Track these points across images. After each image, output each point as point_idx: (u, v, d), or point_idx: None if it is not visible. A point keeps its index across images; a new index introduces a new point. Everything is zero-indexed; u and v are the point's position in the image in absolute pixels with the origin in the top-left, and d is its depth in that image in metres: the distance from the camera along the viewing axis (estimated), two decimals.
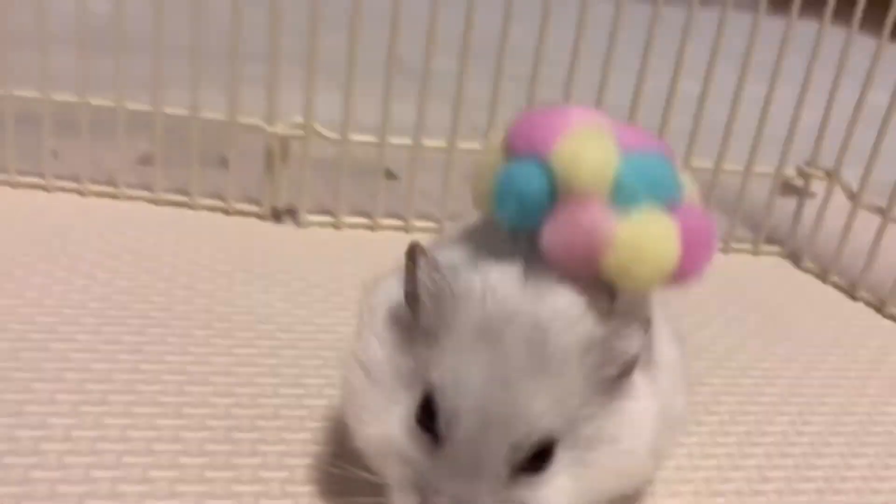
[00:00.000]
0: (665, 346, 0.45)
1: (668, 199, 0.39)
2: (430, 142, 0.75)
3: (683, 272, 0.39)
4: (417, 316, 0.39)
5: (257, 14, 0.72)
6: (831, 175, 0.81)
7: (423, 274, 0.38)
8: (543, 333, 0.37)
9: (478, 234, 0.43)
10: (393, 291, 0.42)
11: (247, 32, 0.70)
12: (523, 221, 0.39)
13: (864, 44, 0.76)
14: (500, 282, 0.39)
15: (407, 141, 0.75)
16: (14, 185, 0.73)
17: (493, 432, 0.36)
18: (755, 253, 0.85)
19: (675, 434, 0.48)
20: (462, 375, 0.37)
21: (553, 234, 0.38)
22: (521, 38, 0.74)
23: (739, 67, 0.77)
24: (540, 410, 0.37)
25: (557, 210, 0.38)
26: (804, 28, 0.76)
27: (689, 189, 0.41)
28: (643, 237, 0.37)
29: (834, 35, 0.76)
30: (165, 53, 0.70)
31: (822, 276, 0.81)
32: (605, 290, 0.40)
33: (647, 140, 0.41)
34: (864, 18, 0.76)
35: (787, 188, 0.85)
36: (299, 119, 0.74)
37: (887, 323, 0.75)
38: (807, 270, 0.83)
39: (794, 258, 0.84)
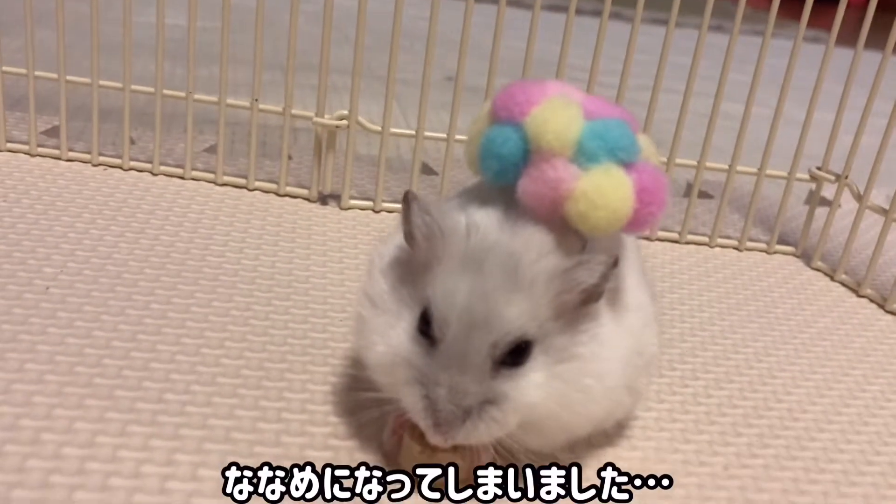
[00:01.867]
0: (636, 292, 0.51)
1: (625, 158, 0.46)
2: (462, 137, 0.83)
3: (638, 220, 0.46)
4: (414, 251, 0.47)
5: (313, 27, 0.81)
6: (841, 179, 0.86)
7: (415, 216, 0.46)
8: (516, 261, 0.45)
9: (470, 191, 0.51)
10: (396, 242, 0.51)
11: (302, 44, 0.80)
12: (503, 177, 0.47)
13: (869, 59, 0.81)
14: (482, 221, 0.46)
15: (441, 135, 0.83)
16: (95, 164, 0.84)
17: (476, 333, 0.44)
18: (769, 252, 0.89)
19: (649, 373, 0.54)
20: (450, 292, 0.45)
21: (526, 187, 0.46)
22: (548, 52, 0.81)
23: (755, 79, 0.82)
24: (513, 316, 0.44)
25: (530, 167, 0.46)
26: (813, 47, 0.81)
27: (647, 150, 0.48)
28: (599, 189, 0.44)
29: (842, 54, 0.81)
30: (231, 60, 0.80)
31: (831, 274, 0.86)
32: (578, 236, 0.47)
33: (611, 110, 0.48)
34: (870, 38, 0.81)
35: (813, 198, 0.90)
36: (345, 112, 0.82)
37: (888, 318, 0.79)
38: (816, 269, 0.87)
39: (806, 258, 0.89)
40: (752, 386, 0.64)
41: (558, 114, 0.45)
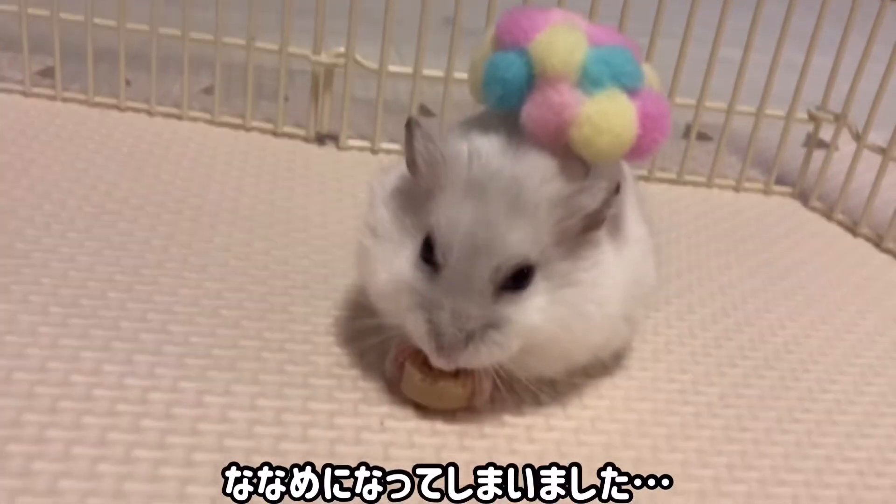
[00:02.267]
0: (635, 225, 0.52)
1: (629, 85, 0.46)
2: (460, 75, 0.83)
3: (641, 147, 0.46)
4: (416, 179, 0.47)
5: None
6: (840, 118, 0.86)
7: (418, 143, 0.46)
8: (519, 187, 0.45)
9: (472, 120, 0.51)
10: (398, 172, 0.51)
11: None
12: (506, 102, 0.47)
13: (868, 3, 0.80)
14: (485, 148, 0.46)
15: (439, 73, 0.82)
16: (91, 105, 0.83)
17: (479, 258, 0.44)
18: (766, 192, 0.90)
19: (647, 304, 0.55)
20: (453, 218, 0.45)
21: (529, 112, 0.46)
22: None
23: (752, 21, 0.82)
24: (515, 240, 0.45)
25: (534, 92, 0.46)
26: None
27: (651, 78, 0.48)
28: (604, 114, 0.44)
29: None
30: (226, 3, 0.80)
31: (828, 214, 0.86)
32: (581, 163, 0.47)
33: (615, 37, 0.48)
34: None
35: (812, 139, 0.90)
36: (342, 50, 0.82)
37: (884, 256, 0.80)
38: (813, 209, 0.87)
39: (803, 198, 0.89)
40: (748, 320, 0.65)
41: (563, 38, 0.45)
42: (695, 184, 0.89)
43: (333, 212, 0.72)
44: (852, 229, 0.83)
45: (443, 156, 0.46)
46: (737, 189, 0.89)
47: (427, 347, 0.46)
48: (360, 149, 0.85)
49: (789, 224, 0.84)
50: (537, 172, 0.46)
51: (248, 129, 0.84)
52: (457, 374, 0.48)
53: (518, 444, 0.49)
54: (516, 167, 0.46)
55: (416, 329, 0.46)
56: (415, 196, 0.48)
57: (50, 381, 0.47)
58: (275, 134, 0.84)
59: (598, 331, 0.49)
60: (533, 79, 0.46)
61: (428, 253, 0.46)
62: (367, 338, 0.51)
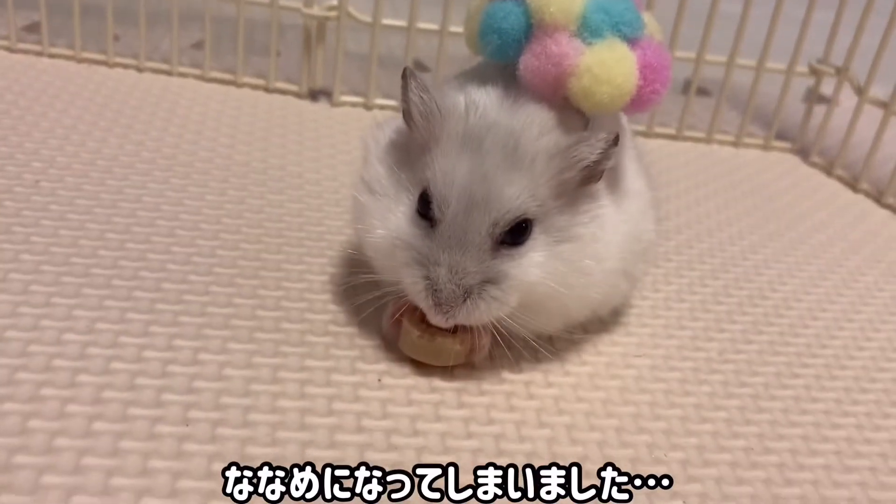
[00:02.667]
0: (634, 178, 0.51)
1: (629, 34, 0.44)
2: (456, 28, 0.81)
3: (642, 98, 0.45)
4: (412, 131, 0.46)
5: None
6: (841, 71, 0.84)
7: (413, 94, 0.45)
8: (516, 139, 0.44)
9: (468, 73, 0.50)
10: (393, 126, 0.50)
11: None
12: (503, 53, 0.46)
13: None
14: (482, 99, 0.45)
15: (434, 26, 0.81)
16: (79, 61, 0.81)
17: (476, 212, 0.44)
18: (766, 148, 0.89)
19: (647, 259, 0.54)
20: (450, 171, 0.44)
21: (528, 63, 0.45)
22: None
23: None
24: (513, 194, 0.44)
25: (532, 42, 0.44)
26: None
27: (652, 27, 0.47)
28: (604, 64, 0.43)
29: None
30: None
31: (828, 170, 0.85)
32: (580, 115, 0.46)
33: None
34: None
35: (813, 93, 0.89)
36: (334, 2, 0.80)
37: (884, 212, 0.79)
38: (813, 165, 0.86)
39: (803, 154, 0.88)
40: (748, 276, 0.65)
41: None
42: (694, 139, 0.88)
43: (327, 168, 0.70)
44: (852, 185, 0.83)
45: (439, 108, 0.45)
46: (736, 145, 0.88)
47: (424, 304, 0.45)
48: (354, 104, 0.84)
49: (789, 180, 0.83)
50: (535, 124, 0.45)
51: (240, 86, 0.83)
52: (455, 330, 0.48)
53: (517, 401, 0.48)
54: (513, 119, 0.45)
55: (412, 285, 0.45)
56: (410, 150, 0.47)
57: (44, 340, 0.46)
58: (266, 90, 0.83)
59: (596, 286, 0.48)
60: (531, 28, 0.44)
61: (424, 208, 0.45)
62: (363, 294, 0.51)
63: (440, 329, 0.47)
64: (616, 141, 0.44)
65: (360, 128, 0.79)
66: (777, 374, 0.55)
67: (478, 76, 0.48)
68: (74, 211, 0.58)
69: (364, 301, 0.51)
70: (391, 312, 0.50)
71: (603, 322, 0.56)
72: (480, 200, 0.44)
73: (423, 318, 0.47)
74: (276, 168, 0.69)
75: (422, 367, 0.49)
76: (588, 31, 0.44)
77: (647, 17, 0.47)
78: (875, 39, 0.79)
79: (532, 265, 0.45)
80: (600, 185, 0.47)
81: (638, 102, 0.45)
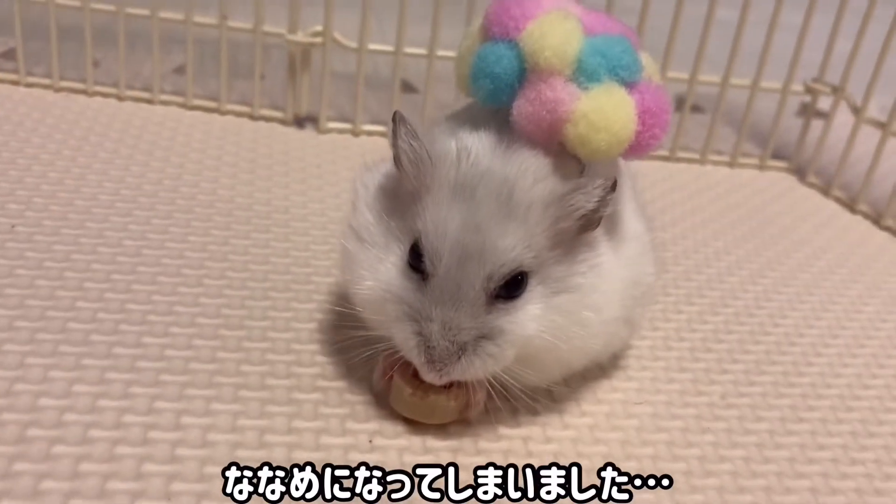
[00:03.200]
0: (632, 220, 0.49)
1: (627, 78, 0.43)
2: (444, 52, 0.79)
3: (640, 143, 0.43)
4: (402, 178, 0.44)
5: None
6: (838, 91, 0.83)
7: (402, 142, 0.43)
8: (510, 188, 0.42)
9: (459, 115, 0.48)
10: (382, 171, 0.48)
11: None
12: (496, 98, 0.44)
13: None
14: (474, 146, 0.43)
15: (422, 51, 0.79)
16: (57, 90, 0.79)
17: (470, 265, 0.42)
18: (762, 167, 0.87)
19: (645, 303, 0.52)
20: (442, 222, 0.42)
21: (522, 109, 0.43)
22: None
23: None
24: (508, 246, 0.42)
25: (526, 87, 0.42)
26: None
27: (650, 68, 0.45)
28: (600, 111, 0.41)
29: None
30: None
31: (825, 190, 0.84)
32: (576, 160, 0.45)
33: (612, 24, 0.44)
34: None
35: (805, 110, 0.87)
36: (319, 28, 0.78)
37: (883, 234, 0.78)
38: (810, 185, 0.85)
39: (800, 173, 0.87)
40: (748, 310, 0.63)
41: (556, 28, 0.42)
42: (688, 160, 0.86)
43: (314, 202, 0.68)
44: (850, 206, 0.81)
45: (429, 155, 0.43)
46: (731, 165, 0.87)
47: (417, 361, 0.44)
48: (341, 131, 0.82)
49: (786, 201, 0.81)
50: (529, 172, 0.43)
51: (224, 113, 0.80)
52: (448, 386, 0.46)
53: (515, 458, 0.46)
54: (507, 167, 0.43)
55: (404, 342, 0.44)
56: (401, 196, 0.45)
57: (29, 379, 0.45)
58: (251, 117, 0.81)
59: (595, 337, 0.46)
60: (524, 73, 0.43)
61: (416, 260, 0.43)
62: (352, 350, 0.49)
63: (433, 385, 0.45)
64: (614, 187, 0.43)
65: (348, 156, 0.77)
66: (781, 418, 0.53)
67: (469, 119, 0.46)
68: (52, 258, 0.56)
69: (354, 354, 0.49)
70: (382, 368, 0.48)
71: (602, 367, 0.54)
72: (474, 253, 0.42)
73: (415, 374, 0.45)
74: (262, 203, 0.67)
75: (415, 424, 0.47)
76: (584, 75, 0.42)
77: (644, 57, 0.45)
78: (873, 45, 0.77)
79: (529, 319, 0.43)
80: (598, 231, 0.45)
81: (636, 148, 0.43)
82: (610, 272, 0.46)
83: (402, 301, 0.44)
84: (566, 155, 0.44)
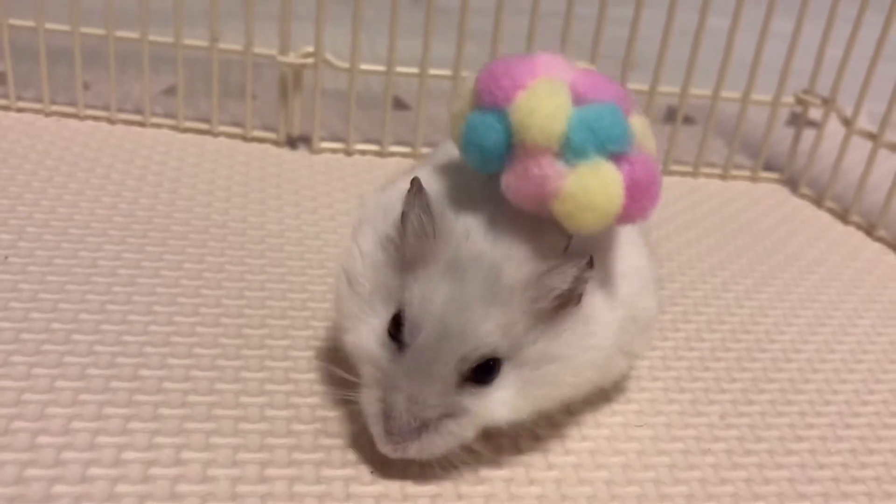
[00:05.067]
0: (631, 255, 0.49)
1: (615, 150, 0.42)
2: (436, 71, 0.79)
3: (628, 215, 0.43)
4: (402, 243, 0.44)
5: None
6: (828, 102, 0.83)
7: (414, 214, 0.43)
8: (497, 272, 0.42)
9: (459, 169, 0.47)
10: (384, 206, 0.47)
11: None
12: (486, 168, 0.44)
13: None
14: (473, 227, 0.43)
15: (414, 70, 0.79)
16: (47, 114, 0.78)
17: (447, 344, 0.42)
18: (754, 179, 0.87)
19: (647, 334, 0.52)
20: (428, 297, 0.42)
21: (510, 183, 0.43)
22: None
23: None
24: (487, 331, 0.42)
25: (514, 161, 0.42)
26: None
27: (642, 134, 0.44)
28: (587, 189, 0.41)
29: None
30: None
31: (818, 201, 0.84)
32: (564, 231, 0.44)
33: (604, 89, 0.44)
34: None
35: (796, 119, 0.87)
36: (310, 49, 0.77)
37: (876, 245, 0.78)
38: (803, 196, 0.85)
39: (792, 185, 0.87)
40: (744, 327, 0.63)
41: (544, 105, 0.41)
42: (681, 173, 0.86)
43: (308, 225, 0.68)
44: (843, 217, 0.82)
45: (434, 233, 0.43)
46: (724, 177, 0.87)
47: (375, 429, 0.43)
48: (334, 151, 0.81)
49: (779, 214, 0.81)
50: (516, 254, 0.43)
51: (216, 135, 0.80)
52: None
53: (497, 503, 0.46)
54: (497, 249, 0.43)
55: (367, 405, 0.44)
56: (397, 254, 0.45)
57: (27, 417, 0.44)
58: (244, 139, 0.80)
59: (585, 385, 0.47)
60: (513, 145, 0.42)
61: (395, 329, 0.43)
62: (348, 386, 0.48)
63: None
64: (591, 264, 0.43)
65: (342, 176, 0.77)
66: (781, 437, 0.53)
67: (470, 190, 0.45)
68: (46, 290, 0.56)
69: (350, 389, 0.48)
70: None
71: (602, 390, 0.54)
72: (454, 332, 0.42)
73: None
74: (256, 228, 0.67)
75: (392, 468, 0.46)
76: (571, 151, 0.41)
77: (637, 121, 0.44)
78: (865, 51, 0.77)
79: (499, 403, 0.43)
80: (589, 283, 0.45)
81: (625, 219, 0.43)
82: (595, 331, 0.45)
83: (375, 366, 0.44)
84: (556, 223, 0.43)
